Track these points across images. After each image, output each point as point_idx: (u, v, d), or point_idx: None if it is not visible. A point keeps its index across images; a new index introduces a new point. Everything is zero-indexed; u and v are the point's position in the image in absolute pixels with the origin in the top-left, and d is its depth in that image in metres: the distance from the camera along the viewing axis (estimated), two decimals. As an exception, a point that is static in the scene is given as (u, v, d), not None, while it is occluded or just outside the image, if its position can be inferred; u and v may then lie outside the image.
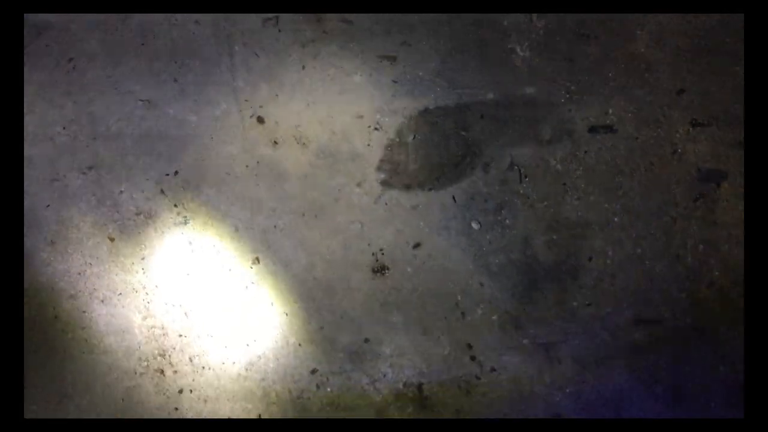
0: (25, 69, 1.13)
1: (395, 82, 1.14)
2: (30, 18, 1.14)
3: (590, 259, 1.08)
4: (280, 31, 1.16)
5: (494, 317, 1.06)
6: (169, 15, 1.14)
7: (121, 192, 1.09)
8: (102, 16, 1.08)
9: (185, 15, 1.15)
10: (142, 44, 1.13)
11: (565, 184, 1.11)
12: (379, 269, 1.07)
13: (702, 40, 1.15)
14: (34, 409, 1.01)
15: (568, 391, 1.03)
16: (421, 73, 1.15)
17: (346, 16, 1.16)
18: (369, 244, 1.08)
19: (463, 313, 1.06)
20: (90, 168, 1.10)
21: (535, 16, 1.16)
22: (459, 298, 1.06)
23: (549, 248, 1.09)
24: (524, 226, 1.09)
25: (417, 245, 1.08)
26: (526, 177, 1.11)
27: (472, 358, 1.04)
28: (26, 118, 1.11)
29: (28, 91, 1.12)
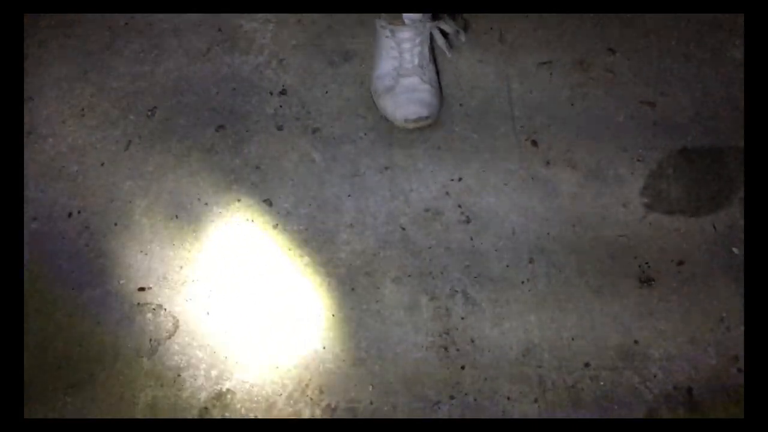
0: (335, 86, 1.35)
1: (655, 124, 1.30)
2: (336, 47, 1.38)
3: None
4: (551, 74, 1.35)
5: (759, 335, 1.12)
6: (455, 59, 1.36)
7: (411, 190, 1.25)
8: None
9: (469, 57, 1.36)
10: (440, 81, 1.34)
11: (819, 223, 1.20)
12: (646, 280, 1.17)
13: None
14: (332, 368, 1.10)
15: (839, 413, 1.06)
16: (678, 119, 1.30)
17: (609, 65, 1.35)
18: (635, 257, 1.18)
19: (728, 328, 1.12)
20: (386, 168, 1.27)
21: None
22: (724, 314, 1.14)
23: (809, 278, 1.16)
24: (783, 256, 1.18)
25: (680, 263, 1.18)
26: (781, 213, 1.21)
27: (739, 370, 1.09)
28: (335, 124, 1.31)
29: (337, 104, 1.33)
